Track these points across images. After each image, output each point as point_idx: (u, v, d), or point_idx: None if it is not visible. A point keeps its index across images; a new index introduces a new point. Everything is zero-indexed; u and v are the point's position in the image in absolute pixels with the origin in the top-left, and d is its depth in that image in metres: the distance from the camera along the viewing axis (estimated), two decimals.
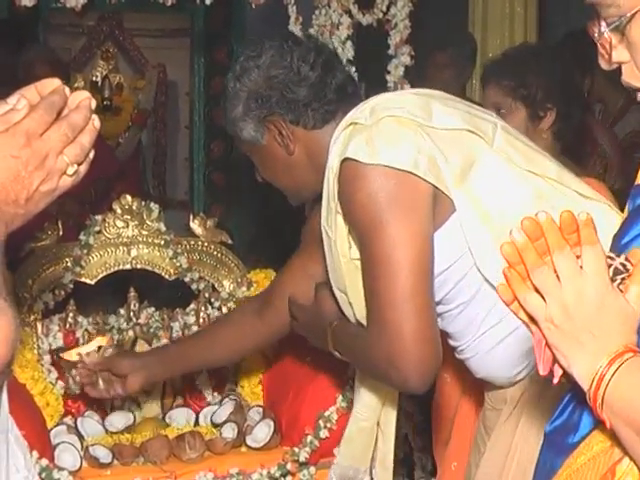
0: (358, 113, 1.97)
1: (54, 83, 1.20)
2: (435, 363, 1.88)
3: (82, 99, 1.20)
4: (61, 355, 2.69)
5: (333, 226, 1.99)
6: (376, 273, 1.87)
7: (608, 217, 1.85)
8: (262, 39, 2.10)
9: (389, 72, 2.88)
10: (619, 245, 1.36)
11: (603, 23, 1.32)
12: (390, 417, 2.31)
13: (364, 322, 1.99)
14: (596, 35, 1.34)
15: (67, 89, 1.20)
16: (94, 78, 7.17)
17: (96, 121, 1.22)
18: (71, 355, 2.62)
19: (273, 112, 2.05)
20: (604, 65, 1.36)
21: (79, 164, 1.20)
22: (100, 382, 2.51)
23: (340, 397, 2.64)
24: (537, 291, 1.17)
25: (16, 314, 1.11)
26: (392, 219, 1.84)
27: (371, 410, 2.30)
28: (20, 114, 1.15)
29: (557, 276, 1.15)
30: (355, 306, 2.03)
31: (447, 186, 1.89)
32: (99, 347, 2.60)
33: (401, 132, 1.90)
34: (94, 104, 1.22)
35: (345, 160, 1.90)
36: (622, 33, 1.31)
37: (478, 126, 1.98)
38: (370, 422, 2.31)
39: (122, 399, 2.83)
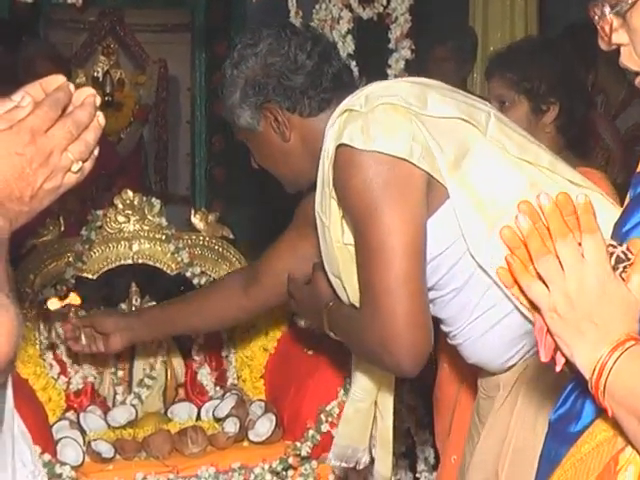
0: (354, 100, 1.99)
1: (59, 80, 1.20)
2: (427, 347, 1.91)
3: (87, 96, 1.20)
4: (47, 306, 2.72)
5: (327, 211, 2.01)
6: (370, 259, 1.89)
7: (601, 206, 1.85)
8: (260, 27, 2.12)
9: (390, 66, 2.88)
10: (620, 233, 1.36)
11: (606, 5, 1.33)
12: (387, 397, 2.32)
13: (358, 305, 2.01)
14: (597, 17, 1.35)
15: (72, 86, 1.20)
16: (95, 74, 7.15)
17: (101, 118, 1.22)
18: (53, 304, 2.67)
19: (270, 99, 2.07)
20: (603, 46, 1.38)
21: (84, 161, 1.20)
22: (82, 337, 2.58)
23: (342, 391, 2.64)
24: (540, 278, 1.17)
25: (18, 311, 1.11)
26: (386, 205, 1.86)
27: (367, 391, 2.32)
28: (25, 111, 1.15)
29: (560, 264, 1.15)
30: (349, 290, 2.05)
31: (441, 173, 1.91)
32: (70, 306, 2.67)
33: (396, 119, 1.92)
34: (99, 101, 1.22)
35: (340, 146, 1.91)
36: (623, 17, 1.33)
37: (472, 115, 2.00)
38: (367, 403, 2.32)
39: (124, 393, 2.84)
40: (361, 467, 2.40)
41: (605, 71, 4.60)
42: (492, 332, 2.01)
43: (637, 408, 1.14)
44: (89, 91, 1.21)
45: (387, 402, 2.33)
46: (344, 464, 2.39)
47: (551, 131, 2.72)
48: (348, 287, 2.04)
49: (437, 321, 2.08)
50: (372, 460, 2.40)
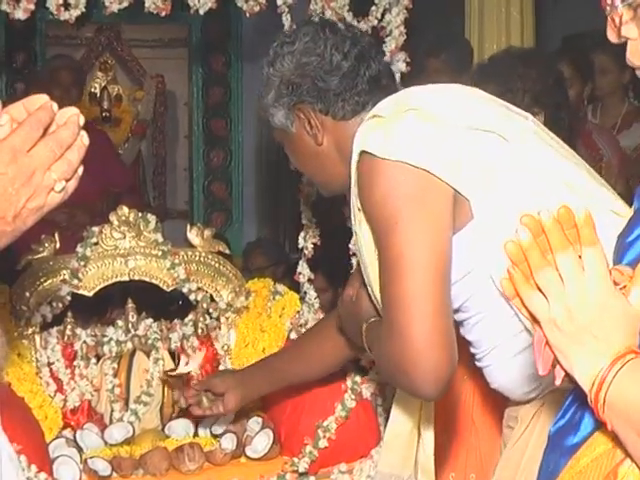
0: (383, 105, 1.93)
1: (41, 99, 1.19)
2: (448, 370, 1.79)
3: (70, 115, 1.19)
4: (170, 374, 2.74)
5: (355, 219, 1.95)
6: (389, 272, 1.81)
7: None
8: (300, 24, 2.08)
9: None
10: (624, 243, 1.36)
11: None
12: (429, 420, 2.22)
13: None
14: (608, 8, 1.35)
15: (55, 105, 1.19)
16: (93, 89, 7.16)
17: (84, 138, 1.21)
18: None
19: (303, 100, 2.02)
20: (612, 38, 1.38)
21: (67, 180, 1.19)
22: (205, 401, 2.55)
23: (339, 407, 2.63)
24: (541, 291, 1.16)
25: (4, 341, 1.10)
26: (408, 217, 1.78)
27: (408, 413, 2.23)
28: (2, 130, 1.14)
29: (560, 277, 1.15)
30: (379, 301, 1.96)
31: (466, 189, 1.83)
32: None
33: (423, 128, 1.85)
34: (82, 120, 1.21)
35: (363, 153, 1.86)
36: (634, 10, 1.32)
37: (504, 127, 1.92)
38: (407, 426, 2.23)
39: (121, 411, 2.83)
40: None
41: (604, 81, 4.60)
42: (515, 360, 1.93)
43: (637, 422, 1.14)
44: (73, 110, 1.20)
45: (429, 427, 2.22)
46: None
47: None
48: (378, 298, 1.95)
49: (463, 342, 1.99)
50: None
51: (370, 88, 2.02)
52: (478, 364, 2.04)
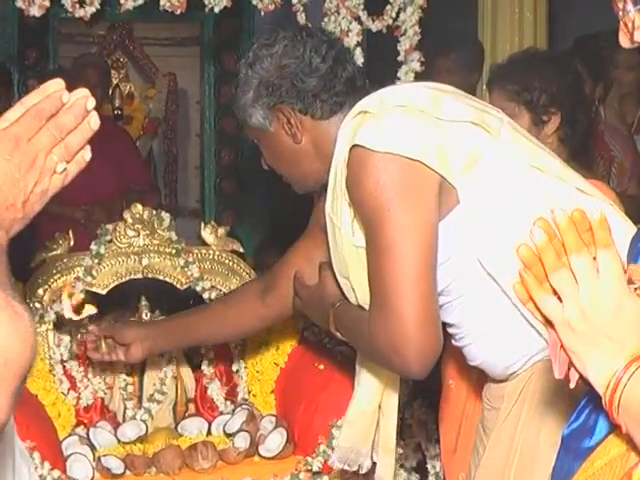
0: (368, 102, 2.00)
1: (55, 86, 1.19)
2: (436, 348, 1.91)
3: (78, 98, 1.19)
4: (68, 317, 2.67)
5: (338, 213, 2.02)
6: (382, 259, 1.89)
7: (609, 216, 1.84)
8: (276, 29, 2.13)
9: (399, 78, 2.88)
10: (636, 248, 1.35)
11: (629, 2, 1.32)
12: (392, 400, 2.32)
13: (366, 307, 2.01)
14: (620, 13, 1.34)
15: (65, 94, 1.18)
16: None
17: (93, 121, 1.20)
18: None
19: (283, 101, 2.09)
20: (624, 43, 1.37)
21: (68, 162, 1.19)
22: (103, 346, 2.58)
23: None
24: (555, 293, 1.16)
25: (32, 317, 1.10)
26: (399, 207, 1.87)
27: (372, 393, 2.31)
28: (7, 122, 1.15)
29: (575, 278, 1.14)
30: (358, 292, 2.05)
31: (453, 176, 1.91)
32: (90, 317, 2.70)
33: (410, 122, 1.93)
34: (91, 104, 1.20)
35: (354, 147, 1.92)
36: None
37: (485, 121, 2.01)
38: (371, 406, 2.32)
39: (134, 408, 2.83)
40: (364, 471, 2.38)
41: (628, 78, 4.57)
42: (497, 336, 2.01)
43: None
44: (82, 92, 1.20)
45: (391, 406, 2.32)
46: (347, 467, 2.38)
47: (553, 142, 2.70)
48: (357, 289, 2.05)
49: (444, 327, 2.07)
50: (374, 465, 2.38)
51: (347, 89, 2.10)
52: (457, 344, 2.10)
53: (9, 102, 4.80)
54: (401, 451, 2.78)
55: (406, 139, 1.89)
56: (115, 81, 7.17)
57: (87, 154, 1.21)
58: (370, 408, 2.32)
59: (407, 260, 1.86)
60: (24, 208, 1.15)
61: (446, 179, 1.91)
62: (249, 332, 2.70)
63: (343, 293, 2.12)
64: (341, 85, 2.09)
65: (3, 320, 1.06)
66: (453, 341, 2.11)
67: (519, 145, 2.03)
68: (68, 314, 2.58)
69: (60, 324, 2.85)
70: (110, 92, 7.06)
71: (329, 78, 2.08)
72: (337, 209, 2.02)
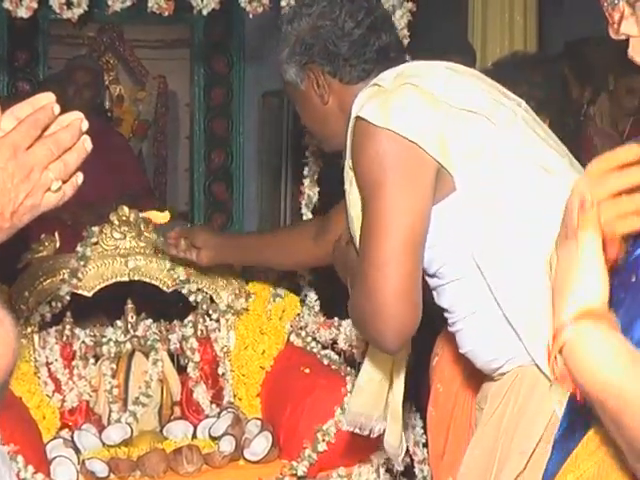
0: (385, 75, 2.02)
1: (46, 99, 1.20)
2: (410, 325, 1.91)
3: (73, 119, 1.20)
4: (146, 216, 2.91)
5: (347, 179, 2.04)
6: (368, 231, 1.92)
7: None
8: None
9: None
10: (630, 258, 1.35)
11: None
12: (400, 368, 2.31)
13: None
14: (606, 4, 1.34)
15: (57, 108, 1.19)
16: None
17: (87, 143, 1.21)
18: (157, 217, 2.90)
19: (314, 61, 2.12)
20: (612, 34, 1.37)
21: (64, 181, 1.19)
22: (182, 243, 2.76)
23: (339, 410, 2.61)
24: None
25: (15, 322, 1.10)
26: (392, 183, 1.89)
27: (381, 360, 2.30)
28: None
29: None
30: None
31: (452, 164, 1.92)
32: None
33: (417, 102, 1.93)
34: (85, 126, 1.21)
35: (359, 119, 1.94)
36: (633, 7, 1.32)
37: (495, 112, 2.01)
38: (380, 373, 2.31)
39: (120, 411, 2.82)
40: (375, 435, 2.36)
41: (634, 102, 4.57)
42: (484, 326, 2.01)
43: (589, 393, 1.12)
44: (76, 115, 1.21)
45: (400, 374, 2.32)
46: (357, 430, 2.35)
47: None
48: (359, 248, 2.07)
49: (432, 336, 2.06)
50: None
51: (378, 57, 2.11)
52: (451, 329, 2.11)
53: None
54: (386, 454, 2.77)
55: (409, 120, 1.90)
56: (105, 83, 7.16)
57: (80, 178, 1.22)
58: (379, 375, 2.31)
59: (393, 235, 1.88)
60: (12, 218, 1.15)
61: (444, 166, 1.92)
62: (303, 266, 2.90)
63: None
64: (372, 53, 2.10)
65: None
66: (448, 327, 2.12)
67: (528, 142, 2.03)
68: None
69: (45, 326, 2.83)
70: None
71: (361, 44, 2.10)
72: (345, 174, 2.05)
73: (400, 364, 2.31)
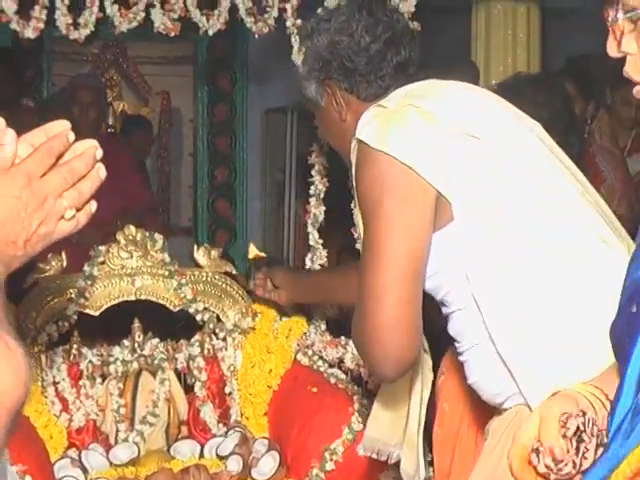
0: (391, 96, 2.00)
1: (61, 126, 1.20)
2: (409, 355, 1.87)
3: (88, 147, 1.20)
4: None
5: (354, 200, 2.01)
6: (366, 257, 1.88)
7: (623, 261, 1.78)
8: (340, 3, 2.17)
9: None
10: (634, 278, 1.36)
11: (620, 9, 1.35)
12: (416, 395, 2.27)
13: None
14: (610, 19, 1.36)
15: (71, 135, 1.19)
16: None
17: (101, 171, 1.21)
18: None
19: (331, 77, 2.10)
20: (611, 52, 1.39)
21: (78, 209, 1.19)
22: (269, 284, 2.80)
23: (346, 430, 2.62)
24: None
25: (27, 353, 1.10)
26: (389, 207, 1.84)
27: (396, 385, 2.25)
28: (6, 149, 1.14)
29: None
30: None
31: (449, 192, 1.87)
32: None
33: (417, 125, 1.88)
34: (100, 154, 1.21)
35: (360, 141, 1.91)
36: (634, 24, 1.33)
37: (503, 138, 1.96)
38: (396, 398, 2.27)
39: (127, 431, 2.82)
40: (393, 461, 2.33)
41: (631, 113, 4.57)
42: (487, 360, 1.94)
43: None
44: (90, 143, 1.21)
45: (416, 400, 2.28)
46: (374, 456, 2.33)
47: None
48: None
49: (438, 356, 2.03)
50: None
51: (395, 73, 2.07)
52: (459, 358, 2.06)
53: None
54: (394, 474, 2.77)
55: (406, 143, 1.86)
56: (109, 99, 7.18)
57: (93, 206, 1.22)
58: (395, 400, 2.28)
59: (390, 261, 1.84)
60: (25, 246, 1.15)
61: (441, 193, 1.86)
62: None
63: None
64: (389, 68, 2.07)
65: None
66: (457, 355, 2.06)
67: (537, 171, 1.95)
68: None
69: (53, 345, 2.84)
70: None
71: (378, 60, 2.06)
72: (355, 195, 2.00)
73: (417, 387, 2.26)
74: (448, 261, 1.91)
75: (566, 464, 1.24)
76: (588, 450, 1.24)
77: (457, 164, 1.88)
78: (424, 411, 2.29)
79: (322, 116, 2.18)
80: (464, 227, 1.88)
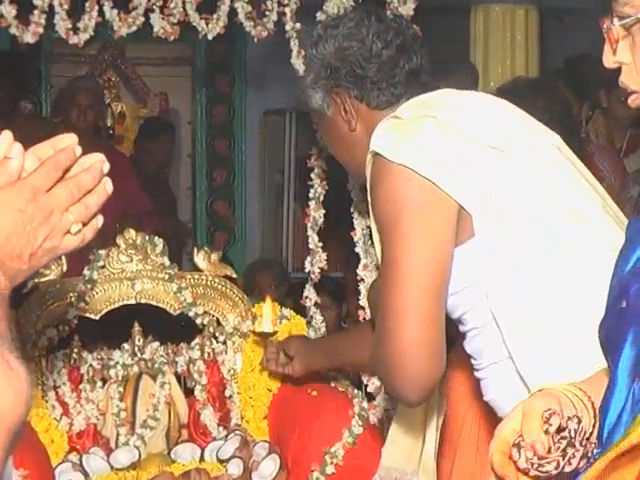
0: (405, 107, 1.93)
1: (68, 140, 1.20)
2: (433, 378, 1.81)
3: (95, 161, 1.20)
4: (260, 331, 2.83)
5: (370, 216, 1.94)
6: (385, 277, 1.81)
7: None
8: (347, 9, 2.10)
9: None
10: (622, 274, 1.36)
11: (615, 18, 1.36)
12: (432, 421, 2.24)
13: None
14: (605, 27, 1.37)
15: (78, 149, 1.19)
16: None
17: (108, 185, 1.21)
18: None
19: (340, 85, 2.03)
20: (607, 63, 1.40)
21: (84, 224, 1.19)
22: (282, 357, 2.67)
23: (346, 433, 2.62)
24: None
25: (27, 369, 1.10)
26: (408, 223, 1.78)
27: (413, 412, 2.22)
28: (13, 163, 1.14)
29: None
30: None
31: (470, 204, 1.81)
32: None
33: (435, 139, 1.83)
34: (107, 168, 1.21)
35: (374, 153, 1.86)
36: (629, 32, 1.35)
37: (520, 150, 1.90)
38: (413, 425, 2.24)
39: (127, 435, 2.83)
40: None
41: (629, 112, 4.57)
42: (506, 379, 1.90)
43: None
44: (98, 157, 1.21)
45: (432, 426, 2.25)
46: None
47: None
48: None
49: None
50: None
51: (407, 81, 2.01)
52: (476, 374, 2.02)
53: None
54: None
55: (425, 156, 1.80)
56: (107, 100, 7.18)
57: (100, 221, 1.22)
58: (412, 427, 2.24)
59: (410, 281, 1.76)
60: (30, 260, 1.15)
61: (462, 206, 1.81)
62: None
63: None
64: (402, 76, 2.00)
65: None
66: (474, 371, 2.02)
67: (556, 183, 1.90)
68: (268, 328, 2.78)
69: (53, 349, 2.84)
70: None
71: (390, 66, 2.00)
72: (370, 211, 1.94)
73: (433, 413, 2.23)
74: (467, 279, 1.85)
75: (549, 462, 1.24)
76: (574, 457, 1.25)
77: (476, 176, 1.83)
78: (438, 435, 2.26)
79: (327, 126, 2.11)
80: (485, 242, 1.82)
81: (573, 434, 1.25)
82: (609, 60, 1.39)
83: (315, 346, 2.67)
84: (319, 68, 2.05)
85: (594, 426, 1.32)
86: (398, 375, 1.79)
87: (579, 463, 1.25)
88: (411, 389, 1.80)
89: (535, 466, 1.24)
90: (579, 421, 1.27)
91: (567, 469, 1.24)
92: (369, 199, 1.90)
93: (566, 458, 1.24)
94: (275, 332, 2.79)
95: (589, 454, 1.26)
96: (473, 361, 2.00)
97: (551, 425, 1.25)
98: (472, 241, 1.83)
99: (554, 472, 1.24)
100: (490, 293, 1.84)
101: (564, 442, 1.24)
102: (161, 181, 6.03)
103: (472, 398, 2.37)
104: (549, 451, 1.24)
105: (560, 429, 1.25)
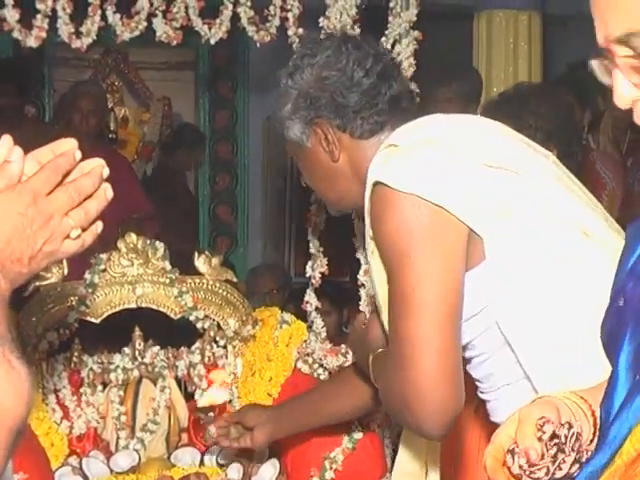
0: (399, 134, 1.89)
1: (68, 144, 1.21)
2: (454, 409, 1.75)
3: (95, 166, 1.21)
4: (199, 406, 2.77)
5: (369, 249, 1.90)
6: (398, 307, 1.77)
7: None
8: (322, 38, 2.02)
9: None
10: (621, 275, 1.37)
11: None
12: (436, 458, 2.21)
13: None
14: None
15: (78, 154, 1.20)
16: None
17: (108, 191, 1.22)
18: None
19: (321, 115, 1.97)
20: (619, 104, 1.36)
21: (83, 229, 1.20)
22: (233, 431, 2.53)
23: (346, 438, 2.63)
24: None
25: (29, 370, 1.10)
26: (420, 252, 1.74)
27: (415, 451, 2.20)
28: (13, 167, 1.15)
29: None
30: (384, 321, 1.92)
31: (481, 226, 1.78)
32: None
33: (439, 162, 1.80)
34: (107, 172, 1.22)
35: (378, 184, 1.80)
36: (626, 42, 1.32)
37: (524, 168, 1.87)
38: (415, 464, 2.21)
39: (127, 438, 2.83)
40: None
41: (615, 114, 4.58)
42: (515, 401, 1.74)
43: None
44: (98, 162, 1.22)
45: (436, 465, 2.22)
46: None
47: None
48: (383, 318, 1.91)
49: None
50: None
51: (390, 108, 1.97)
52: (481, 396, 2.01)
53: None
54: None
55: (433, 182, 1.76)
56: (110, 105, 7.19)
57: (99, 226, 1.23)
58: (414, 467, 2.22)
59: (426, 311, 1.72)
60: (30, 264, 1.16)
61: (473, 230, 1.77)
62: (371, 404, 2.36)
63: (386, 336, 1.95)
64: (384, 103, 1.96)
65: None
66: (478, 392, 2.00)
67: (562, 201, 1.88)
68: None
69: (53, 353, 2.84)
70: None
71: (372, 94, 1.95)
72: (367, 244, 1.90)
73: (435, 449, 2.20)
74: (478, 305, 1.82)
75: (540, 469, 1.25)
76: (565, 462, 1.25)
77: (484, 197, 1.80)
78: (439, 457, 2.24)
79: (307, 158, 2.04)
80: (496, 264, 1.80)
81: (564, 440, 1.25)
82: (623, 100, 1.27)
83: (281, 412, 2.52)
84: (296, 98, 1.98)
85: (594, 434, 1.32)
86: (418, 409, 1.74)
87: (570, 468, 1.25)
88: (432, 422, 1.75)
89: (527, 472, 1.24)
90: (570, 427, 1.27)
91: (558, 475, 1.25)
92: (369, 232, 1.86)
93: (556, 464, 1.25)
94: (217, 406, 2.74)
95: (582, 460, 1.26)
96: (480, 384, 1.97)
97: (544, 433, 1.25)
98: (483, 264, 1.80)
99: (545, 478, 1.25)
100: (502, 317, 1.81)
101: (555, 448, 1.25)
102: (182, 185, 6.05)
103: (473, 405, 2.36)
104: (542, 458, 1.25)
105: (553, 436, 1.26)
